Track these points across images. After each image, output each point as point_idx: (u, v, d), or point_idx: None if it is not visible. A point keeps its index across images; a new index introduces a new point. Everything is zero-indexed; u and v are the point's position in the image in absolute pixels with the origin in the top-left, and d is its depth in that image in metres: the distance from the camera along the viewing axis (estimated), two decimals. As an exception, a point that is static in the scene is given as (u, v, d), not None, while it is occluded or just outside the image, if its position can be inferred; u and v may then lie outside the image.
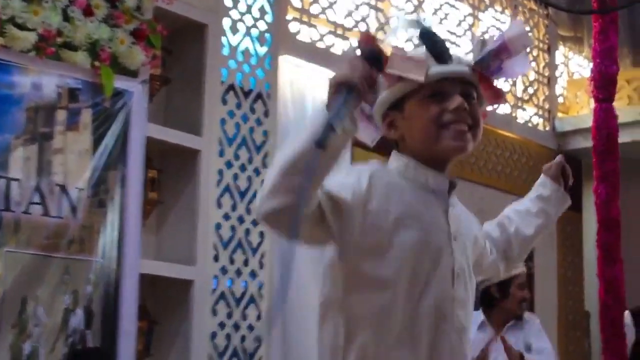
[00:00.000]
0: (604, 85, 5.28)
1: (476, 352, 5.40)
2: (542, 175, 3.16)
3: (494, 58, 2.62)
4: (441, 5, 8.32)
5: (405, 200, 2.52)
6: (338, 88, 2.23)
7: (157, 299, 6.06)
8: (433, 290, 2.51)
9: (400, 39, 2.73)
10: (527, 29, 8.72)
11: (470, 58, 2.68)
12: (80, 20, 5.24)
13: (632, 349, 5.80)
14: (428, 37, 2.60)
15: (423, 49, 2.60)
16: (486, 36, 2.73)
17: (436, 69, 2.53)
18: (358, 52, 2.39)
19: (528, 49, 8.14)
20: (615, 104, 8.93)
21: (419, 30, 2.60)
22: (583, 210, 9.25)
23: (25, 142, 5.17)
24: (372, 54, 2.37)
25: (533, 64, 9.30)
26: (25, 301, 5.13)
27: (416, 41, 2.64)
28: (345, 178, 2.46)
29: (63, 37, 5.20)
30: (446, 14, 8.36)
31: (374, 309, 2.49)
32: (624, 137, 8.73)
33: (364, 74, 2.26)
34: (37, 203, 5.19)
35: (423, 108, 2.53)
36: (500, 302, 5.62)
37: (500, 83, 2.78)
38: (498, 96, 2.69)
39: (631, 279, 6.40)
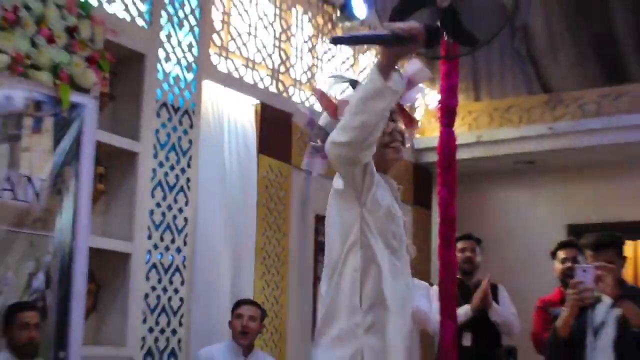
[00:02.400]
0: (447, 114, 5.35)
1: None
2: None
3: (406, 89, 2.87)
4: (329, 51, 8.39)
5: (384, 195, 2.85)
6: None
7: (102, 267, 5.98)
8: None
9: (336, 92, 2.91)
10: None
11: None
12: (44, 47, 5.18)
13: None
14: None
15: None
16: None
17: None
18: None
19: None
20: (456, 129, 9.13)
21: (351, 83, 2.91)
22: (432, 209, 9.44)
23: None
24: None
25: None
26: (-4, 266, 5.11)
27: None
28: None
29: (30, 60, 5.14)
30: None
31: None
32: (463, 154, 8.98)
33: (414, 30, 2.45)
34: (8, 189, 5.12)
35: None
36: None
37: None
38: (412, 122, 2.95)
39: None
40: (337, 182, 2.78)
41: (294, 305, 7.42)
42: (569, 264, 5.48)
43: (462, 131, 9.15)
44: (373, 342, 2.67)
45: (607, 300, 4.61)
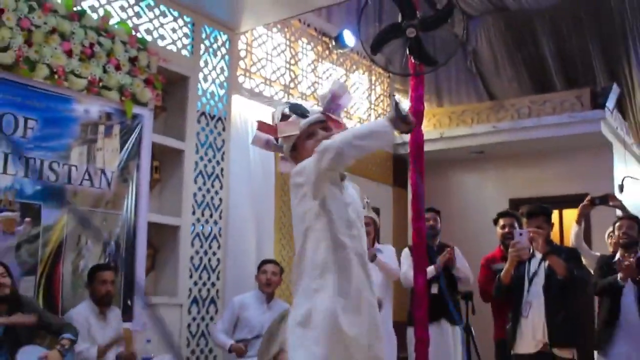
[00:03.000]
0: (416, 117, 5.33)
1: None
2: None
3: (330, 103, 2.83)
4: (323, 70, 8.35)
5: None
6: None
7: (158, 236, 5.95)
8: (342, 232, 2.66)
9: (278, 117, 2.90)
10: (347, 84, 8.69)
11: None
12: (113, 73, 5.18)
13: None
14: (295, 108, 2.82)
15: (294, 116, 2.80)
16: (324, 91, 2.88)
17: (303, 121, 2.75)
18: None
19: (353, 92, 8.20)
20: (424, 128, 9.00)
21: (289, 106, 2.84)
22: (407, 189, 9.38)
23: (80, 143, 5.08)
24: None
25: (380, 105, 9.37)
26: (80, 237, 5.05)
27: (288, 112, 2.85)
28: None
29: (103, 83, 5.14)
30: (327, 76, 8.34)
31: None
32: (430, 147, 8.85)
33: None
34: (87, 179, 5.12)
35: (307, 144, 2.76)
36: None
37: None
38: (339, 125, 2.87)
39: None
40: (296, 179, 2.70)
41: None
42: (507, 230, 5.44)
43: (428, 130, 9.06)
44: (320, 301, 2.55)
45: (538, 256, 4.63)
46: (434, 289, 5.52)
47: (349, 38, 7.88)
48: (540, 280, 4.55)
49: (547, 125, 8.08)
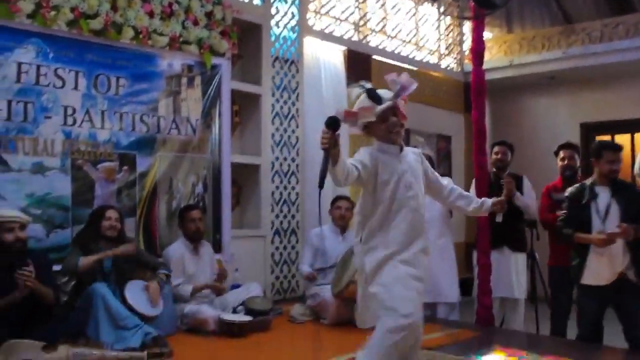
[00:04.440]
0: (477, 57, 5.36)
1: None
2: (488, 201, 3.39)
3: (400, 92, 3.09)
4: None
5: (385, 161, 3.06)
6: (323, 149, 2.68)
7: (241, 175, 6.28)
8: (399, 194, 3.05)
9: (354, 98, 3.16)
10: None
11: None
12: (191, 28, 5.51)
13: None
14: (372, 95, 3.06)
15: (369, 101, 3.05)
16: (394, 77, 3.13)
17: (377, 108, 3.03)
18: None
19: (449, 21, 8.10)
20: (493, 55, 9.02)
21: (366, 91, 3.08)
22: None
23: (166, 95, 5.46)
24: (331, 121, 2.69)
25: (450, 34, 9.34)
26: (171, 180, 5.51)
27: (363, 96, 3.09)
28: (364, 155, 3.02)
29: (182, 38, 5.47)
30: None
31: (378, 210, 3.05)
32: (499, 75, 8.85)
33: (329, 140, 2.65)
34: (174, 128, 5.53)
35: (380, 126, 3.08)
36: None
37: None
38: (404, 117, 3.14)
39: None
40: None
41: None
42: (566, 162, 5.45)
43: (499, 57, 9.04)
44: (367, 259, 3.09)
45: (603, 193, 4.45)
46: (499, 218, 5.65)
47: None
48: (615, 213, 4.37)
49: (620, 49, 7.88)
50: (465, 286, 6.19)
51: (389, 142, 3.12)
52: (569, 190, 4.69)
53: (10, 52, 4.53)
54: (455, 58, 9.31)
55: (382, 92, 3.14)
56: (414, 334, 2.97)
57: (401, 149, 3.16)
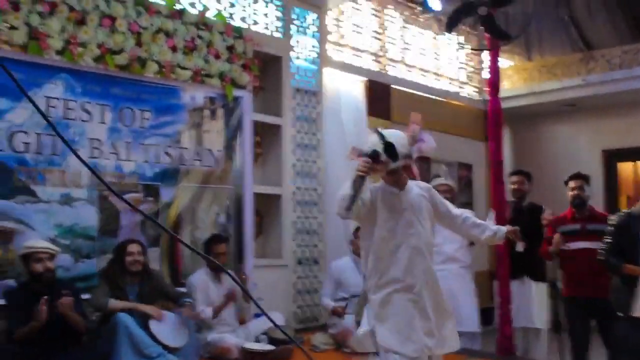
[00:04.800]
0: (493, 87, 5.44)
1: None
2: (503, 229, 3.45)
3: (415, 153, 3.16)
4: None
5: (385, 199, 3.11)
6: (358, 175, 2.82)
7: (263, 205, 6.34)
8: (398, 232, 3.09)
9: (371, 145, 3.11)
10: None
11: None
12: (213, 62, 5.63)
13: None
14: (389, 151, 3.03)
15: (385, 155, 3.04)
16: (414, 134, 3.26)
17: (391, 165, 3.06)
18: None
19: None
20: (514, 83, 9.06)
21: (384, 146, 3.04)
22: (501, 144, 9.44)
23: (189, 127, 5.58)
24: (374, 154, 2.88)
25: (470, 63, 9.41)
26: (194, 210, 5.60)
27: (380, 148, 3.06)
28: (365, 192, 3.02)
29: (205, 71, 5.59)
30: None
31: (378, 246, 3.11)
32: (520, 102, 8.85)
33: (367, 166, 2.82)
34: (197, 159, 5.63)
35: (387, 176, 3.15)
36: None
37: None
38: (414, 175, 3.25)
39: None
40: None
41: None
42: (576, 192, 5.36)
43: (519, 85, 9.08)
44: (372, 297, 3.20)
45: None
46: (519, 247, 5.63)
47: (435, 3, 7.92)
48: None
49: (639, 76, 7.90)
50: (487, 315, 6.18)
51: (392, 186, 3.18)
52: (615, 219, 4.48)
53: (40, 87, 4.69)
54: (475, 86, 9.34)
55: (397, 140, 3.11)
56: None
57: (402, 188, 3.19)
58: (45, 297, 3.87)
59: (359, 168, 2.84)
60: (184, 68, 5.44)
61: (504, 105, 8.86)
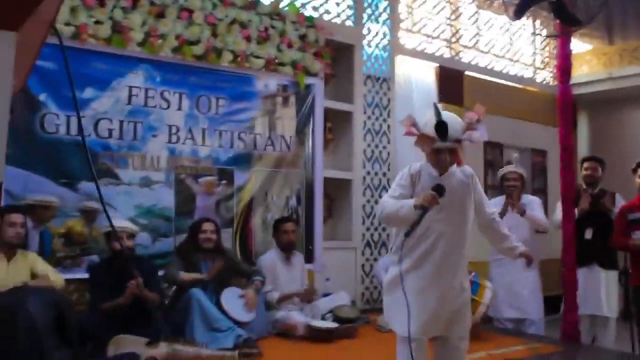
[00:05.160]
0: (563, 74, 5.38)
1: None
2: (521, 248, 3.38)
3: (465, 140, 3.07)
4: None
5: (424, 180, 3.09)
6: (422, 205, 2.83)
7: (333, 189, 6.52)
8: (429, 216, 2.95)
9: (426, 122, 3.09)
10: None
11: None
12: (286, 51, 5.85)
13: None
14: (440, 128, 2.99)
15: (434, 131, 3.00)
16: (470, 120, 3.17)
17: (437, 144, 3.01)
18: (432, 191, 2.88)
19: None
20: (592, 68, 8.89)
21: (437, 122, 3.00)
22: (576, 129, 9.27)
23: (262, 114, 5.82)
24: (439, 189, 2.88)
25: (546, 48, 9.25)
26: (266, 193, 5.85)
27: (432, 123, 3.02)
28: (405, 180, 3.13)
29: (277, 60, 5.82)
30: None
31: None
32: (599, 88, 8.74)
33: (433, 201, 2.82)
34: (269, 145, 5.87)
35: (431, 155, 3.08)
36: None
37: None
38: (459, 161, 3.14)
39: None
40: None
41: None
42: None
43: (597, 69, 8.89)
44: (391, 270, 3.19)
45: None
46: (588, 235, 5.64)
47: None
48: None
49: None
50: (557, 303, 6.15)
51: (433, 166, 3.11)
52: None
53: (123, 77, 5.03)
54: (551, 72, 9.20)
55: (452, 121, 3.07)
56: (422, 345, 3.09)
57: (441, 173, 3.10)
58: (134, 280, 4.22)
59: (425, 199, 2.83)
60: (257, 57, 5.67)
61: (582, 90, 8.84)
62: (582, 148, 9.24)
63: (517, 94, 8.47)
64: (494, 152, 8.16)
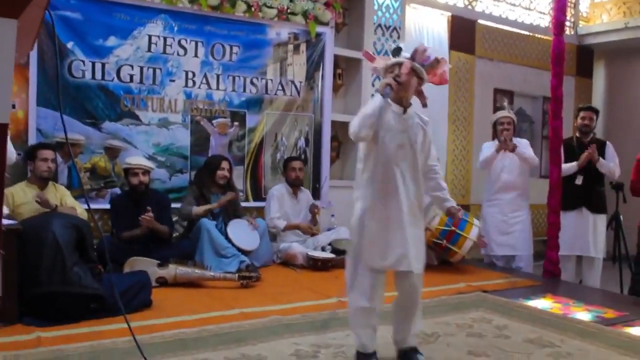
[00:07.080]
0: (558, 27, 5.46)
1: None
2: (450, 202, 3.34)
3: (414, 55, 3.21)
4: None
5: (386, 117, 3.15)
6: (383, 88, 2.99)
7: (341, 131, 6.77)
8: (388, 152, 3.09)
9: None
10: None
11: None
12: (298, 0, 6.22)
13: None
14: (394, 50, 3.23)
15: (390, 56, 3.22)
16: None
17: (390, 61, 3.21)
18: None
19: None
20: (612, 17, 9.01)
21: (394, 49, 3.26)
22: (592, 78, 9.43)
23: (273, 61, 6.22)
24: (396, 50, 3.06)
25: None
26: (276, 135, 6.31)
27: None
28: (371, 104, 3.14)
29: (289, 9, 6.18)
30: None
31: (368, 163, 3.21)
32: (613, 37, 8.82)
33: (391, 81, 2.96)
34: (280, 90, 6.28)
35: (385, 76, 3.21)
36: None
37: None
38: (424, 100, 3.24)
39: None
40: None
41: (476, 151, 7.97)
42: None
43: (617, 18, 8.96)
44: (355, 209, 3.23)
45: None
46: (578, 180, 6.00)
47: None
48: None
49: None
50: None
51: (396, 101, 3.16)
52: None
53: (143, 26, 5.51)
54: (568, 20, 9.25)
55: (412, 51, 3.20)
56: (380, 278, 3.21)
57: (404, 111, 3.17)
58: (146, 215, 4.79)
59: (384, 82, 2.93)
60: (270, 7, 6.05)
61: (599, 40, 8.97)
62: (597, 97, 9.41)
63: (530, 42, 8.62)
64: (504, 100, 8.43)
